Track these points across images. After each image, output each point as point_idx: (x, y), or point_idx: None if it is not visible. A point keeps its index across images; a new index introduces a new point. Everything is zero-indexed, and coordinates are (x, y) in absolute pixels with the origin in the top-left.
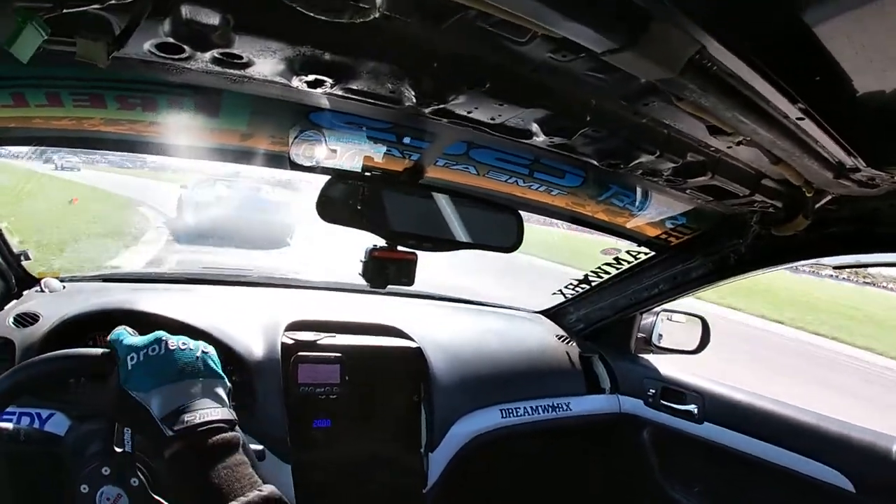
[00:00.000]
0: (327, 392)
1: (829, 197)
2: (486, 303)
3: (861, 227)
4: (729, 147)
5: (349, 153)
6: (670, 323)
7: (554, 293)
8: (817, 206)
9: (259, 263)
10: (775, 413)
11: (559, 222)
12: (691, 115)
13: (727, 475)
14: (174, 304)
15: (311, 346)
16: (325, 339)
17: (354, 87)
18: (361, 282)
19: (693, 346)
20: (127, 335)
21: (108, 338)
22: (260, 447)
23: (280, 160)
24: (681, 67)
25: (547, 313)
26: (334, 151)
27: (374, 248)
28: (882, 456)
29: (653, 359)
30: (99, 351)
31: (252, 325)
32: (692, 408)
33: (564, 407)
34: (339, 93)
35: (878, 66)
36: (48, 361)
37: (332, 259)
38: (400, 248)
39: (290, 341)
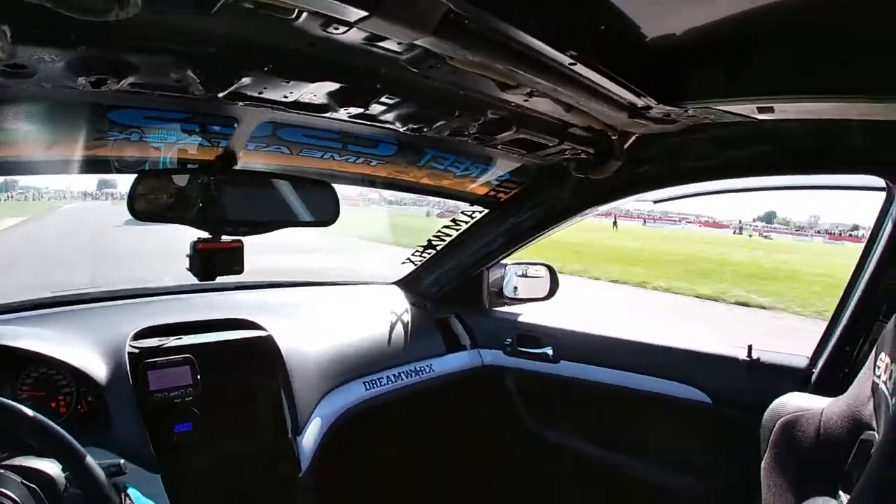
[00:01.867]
0: (182, 395)
1: (633, 137)
2: (338, 281)
3: (668, 162)
4: (525, 101)
5: (156, 148)
6: (520, 276)
7: (404, 262)
8: (625, 146)
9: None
10: (627, 343)
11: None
12: (475, 73)
13: (589, 406)
14: (19, 333)
15: (158, 351)
16: (172, 341)
17: (139, 82)
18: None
19: (543, 294)
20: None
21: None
22: (119, 461)
23: (89, 164)
24: (434, 26)
25: (400, 283)
26: (141, 148)
27: (198, 241)
28: (731, 368)
29: (507, 310)
30: None
31: (97, 341)
32: (548, 350)
33: (427, 369)
34: (127, 88)
35: (661, 10)
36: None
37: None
38: (224, 237)
39: (136, 350)
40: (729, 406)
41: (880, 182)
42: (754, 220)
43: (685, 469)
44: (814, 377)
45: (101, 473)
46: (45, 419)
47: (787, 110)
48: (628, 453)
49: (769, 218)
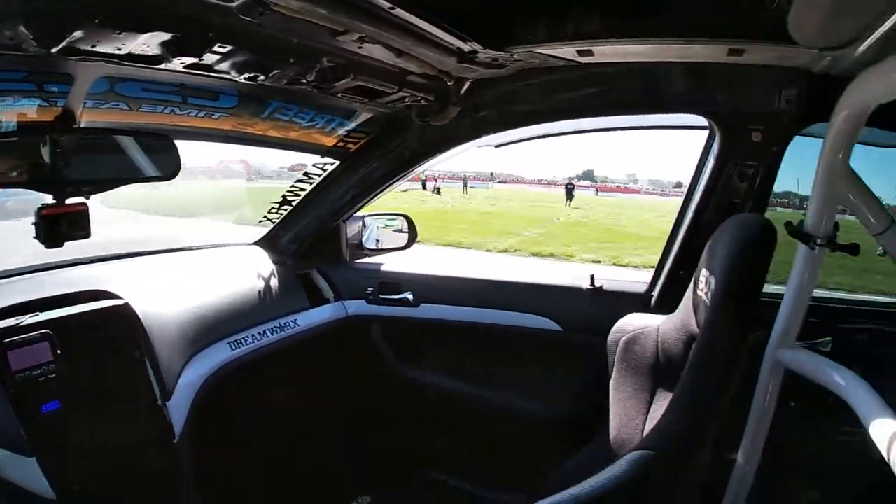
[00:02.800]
0: (44, 372)
1: (468, 83)
2: (196, 246)
3: (504, 107)
4: (359, 47)
5: None
6: (379, 228)
7: (261, 221)
8: (461, 92)
9: None
10: (481, 282)
11: None
12: (304, 20)
13: (451, 344)
14: None
15: (14, 330)
16: (28, 319)
17: None
18: (61, 257)
19: (402, 244)
20: None
21: None
22: None
23: None
24: None
25: (260, 242)
26: None
27: (43, 207)
28: (578, 297)
29: (368, 261)
30: None
31: None
32: (408, 295)
33: (293, 324)
34: None
35: None
36: None
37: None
38: (69, 200)
39: None
40: (578, 333)
41: (703, 121)
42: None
43: (542, 395)
44: (652, 300)
45: None
46: None
47: (606, 53)
48: (490, 385)
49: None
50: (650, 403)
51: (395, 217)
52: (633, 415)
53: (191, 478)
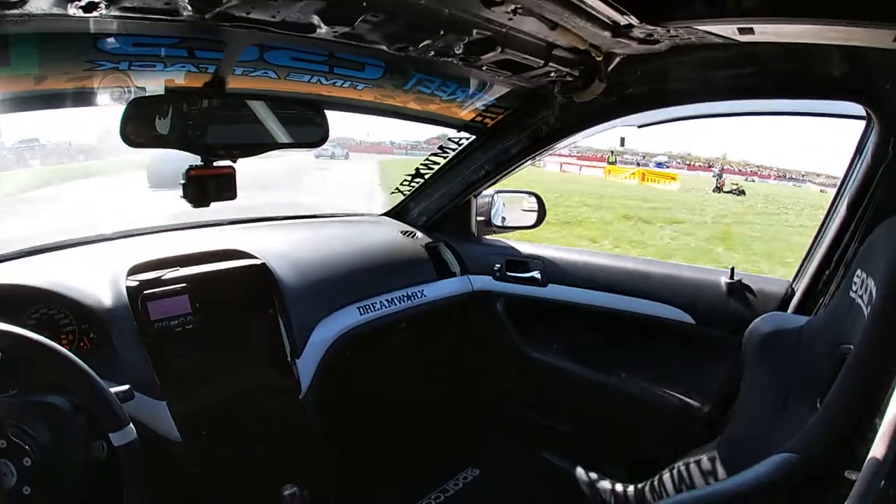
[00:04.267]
0: (182, 323)
1: (618, 59)
2: (328, 214)
3: (654, 85)
4: (510, 19)
5: (146, 76)
6: (508, 204)
7: (393, 192)
8: (610, 68)
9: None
10: (612, 266)
11: None
12: None
13: (577, 328)
14: (17, 274)
15: (156, 282)
16: (169, 273)
17: (128, 5)
18: (197, 219)
19: (532, 222)
20: None
21: None
22: (125, 387)
23: (79, 97)
24: None
25: (390, 213)
26: (130, 77)
27: (191, 168)
28: (714, 290)
29: (495, 238)
30: None
31: (95, 278)
32: (536, 274)
33: (420, 295)
34: (117, 13)
35: None
36: None
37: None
38: (216, 163)
39: (135, 283)
40: (712, 327)
41: (860, 110)
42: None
43: (670, 386)
44: (794, 299)
45: (112, 395)
46: (60, 347)
47: (767, 32)
48: (616, 372)
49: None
50: (785, 408)
51: (525, 194)
52: (765, 417)
53: (312, 433)
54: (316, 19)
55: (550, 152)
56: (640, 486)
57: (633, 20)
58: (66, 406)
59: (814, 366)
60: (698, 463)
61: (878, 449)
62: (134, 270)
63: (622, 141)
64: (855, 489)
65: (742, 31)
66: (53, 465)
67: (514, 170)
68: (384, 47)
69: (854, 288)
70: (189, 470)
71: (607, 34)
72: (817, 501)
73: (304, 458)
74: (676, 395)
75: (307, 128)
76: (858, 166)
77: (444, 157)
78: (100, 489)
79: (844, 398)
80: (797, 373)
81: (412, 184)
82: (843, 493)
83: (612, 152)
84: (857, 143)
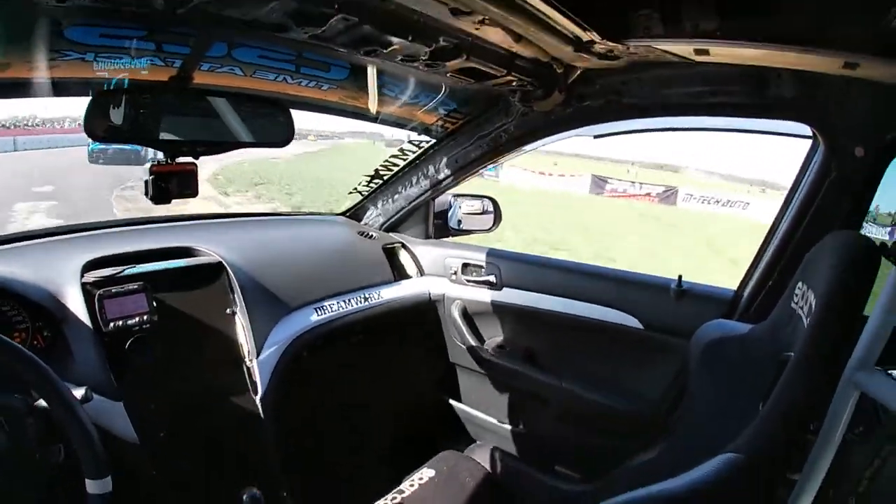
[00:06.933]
0: (139, 322)
1: (578, 72)
2: (285, 213)
3: (611, 98)
4: (476, 28)
5: (111, 68)
6: (465, 208)
7: (350, 193)
8: (570, 81)
9: None
10: (566, 271)
11: None
12: None
13: (531, 331)
14: None
15: (112, 280)
16: (126, 270)
17: None
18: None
19: (488, 225)
20: None
21: None
22: (83, 390)
23: (42, 87)
24: None
25: (347, 214)
26: (95, 68)
27: (154, 164)
28: (661, 296)
29: (452, 240)
30: None
31: (48, 275)
32: (491, 277)
33: (376, 296)
34: (87, 3)
35: None
36: None
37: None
38: (179, 159)
39: (91, 280)
40: (660, 332)
41: (807, 130)
42: None
43: (620, 389)
44: (739, 307)
45: (73, 398)
46: (23, 349)
47: (722, 54)
48: (566, 376)
49: None
50: (729, 410)
51: (482, 198)
52: (711, 418)
53: (270, 435)
54: (288, 20)
55: (507, 159)
56: (590, 485)
57: (595, 36)
58: (21, 407)
59: (756, 371)
60: (648, 462)
61: (817, 451)
62: (88, 267)
63: None
64: (797, 489)
65: (698, 52)
66: (10, 467)
67: (471, 175)
68: (353, 50)
69: (795, 300)
70: (146, 472)
71: (569, 48)
72: (762, 499)
73: (263, 460)
74: (626, 397)
75: (272, 127)
76: (804, 183)
77: (404, 159)
78: (59, 494)
79: (785, 401)
80: (740, 377)
81: (370, 184)
82: (787, 492)
83: None
84: (803, 161)
